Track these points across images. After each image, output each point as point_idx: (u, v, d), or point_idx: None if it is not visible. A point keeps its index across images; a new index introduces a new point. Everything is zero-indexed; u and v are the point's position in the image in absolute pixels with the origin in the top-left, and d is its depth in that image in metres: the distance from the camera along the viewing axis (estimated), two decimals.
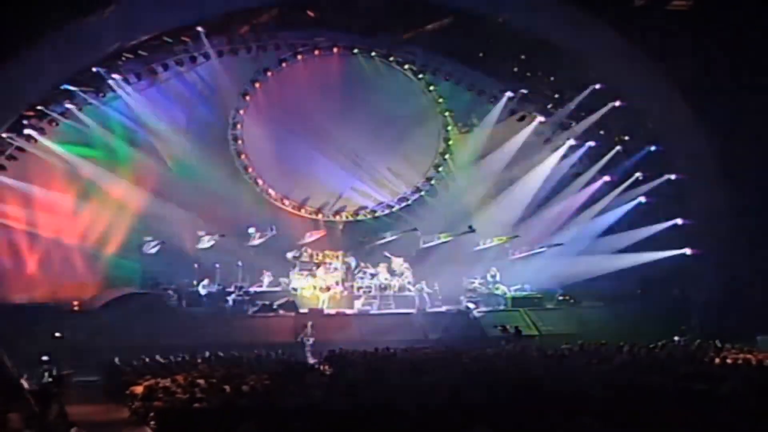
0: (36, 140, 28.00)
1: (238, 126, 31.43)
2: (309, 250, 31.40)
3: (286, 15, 29.62)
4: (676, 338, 25.41)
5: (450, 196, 33.09)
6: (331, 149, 31.74)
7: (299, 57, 31.44)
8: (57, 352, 20.99)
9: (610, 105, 31.33)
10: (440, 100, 32.86)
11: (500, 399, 13.56)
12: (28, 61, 26.09)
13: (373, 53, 32.10)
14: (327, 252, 31.60)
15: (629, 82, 30.79)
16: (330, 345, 23.95)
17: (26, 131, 27.74)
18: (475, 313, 29.39)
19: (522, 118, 33.35)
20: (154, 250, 29.24)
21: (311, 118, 31.36)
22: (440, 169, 33.21)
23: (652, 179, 31.71)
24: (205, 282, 29.14)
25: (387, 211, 33.01)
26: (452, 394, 14.20)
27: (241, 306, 28.51)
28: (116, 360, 20.86)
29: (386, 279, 30.89)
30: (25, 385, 14.57)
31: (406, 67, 32.49)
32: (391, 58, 32.29)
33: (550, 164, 32.86)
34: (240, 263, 30.23)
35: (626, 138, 32.53)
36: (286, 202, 31.99)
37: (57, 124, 28.38)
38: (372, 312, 29.43)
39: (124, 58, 28.64)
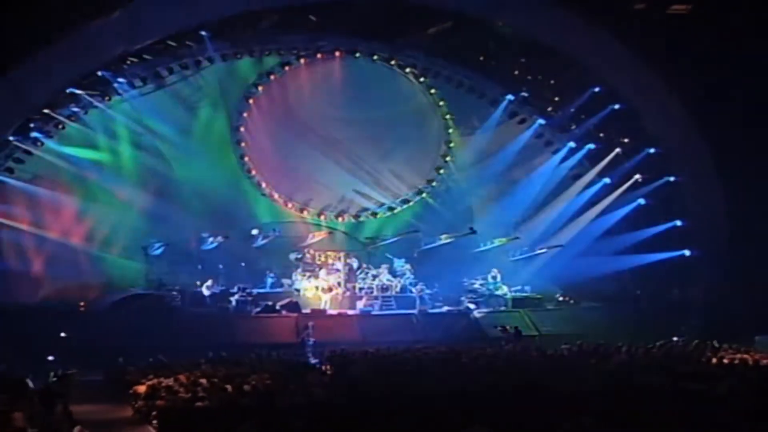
0: (42, 143, 28.18)
1: (242, 129, 31.56)
2: (311, 252, 31.70)
3: (289, 19, 29.75)
4: (675, 338, 25.58)
5: (451, 198, 33.23)
6: (333, 151, 31.93)
7: (302, 60, 31.55)
8: (62, 352, 21.44)
9: (609, 108, 31.47)
10: (441, 103, 32.94)
11: (500, 399, 13.71)
12: (34, 66, 26.46)
13: (374, 57, 32.15)
14: (329, 253, 31.90)
15: (628, 85, 30.94)
16: (332, 345, 24.06)
17: (33, 134, 27.94)
18: (476, 313, 29.62)
19: (522, 121, 33.43)
20: (158, 252, 29.47)
21: (314, 121, 31.64)
22: (441, 171, 33.30)
23: (651, 181, 31.85)
24: (209, 283, 29.33)
25: (389, 213, 33.16)
26: (452, 393, 14.37)
27: (244, 306, 28.67)
28: (120, 360, 21.07)
29: (388, 280, 31.10)
30: (30, 384, 14.76)
31: (408, 70, 32.58)
32: (393, 62, 32.36)
33: (550, 166, 33.04)
34: (243, 264, 30.66)
35: (625, 140, 32.67)
36: (290, 204, 32.11)
37: (63, 127, 28.53)
38: (373, 312, 29.59)
39: (129, 62, 28.87)
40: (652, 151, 31.60)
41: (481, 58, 32.75)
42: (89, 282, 28.40)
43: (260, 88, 31.61)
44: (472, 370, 19.11)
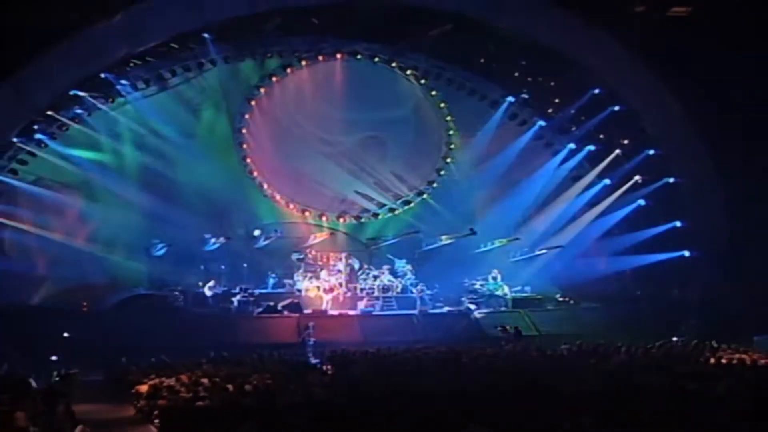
0: (46, 145, 28.31)
1: (244, 131, 31.70)
2: (313, 252, 31.80)
3: (291, 21, 29.83)
4: (674, 338, 25.72)
5: (452, 200, 33.20)
6: (335, 153, 32.13)
7: (303, 62, 31.70)
8: (66, 352, 21.55)
9: (609, 109, 31.62)
10: (442, 104, 33.06)
11: (499, 398, 13.81)
12: (38, 68, 26.63)
13: (376, 59, 32.31)
14: (331, 254, 31.99)
15: (628, 87, 31.06)
16: (333, 345, 24.19)
17: (36, 136, 28.09)
18: (476, 314, 29.73)
19: (523, 123, 33.56)
20: (161, 252, 29.61)
21: (315, 123, 31.79)
22: (442, 172, 33.38)
23: (651, 182, 31.96)
24: (211, 283, 29.50)
25: (390, 214, 33.24)
26: (452, 393, 14.48)
27: (246, 307, 28.78)
28: (123, 360, 21.23)
29: (389, 280, 31.23)
30: (33, 384, 14.88)
31: (409, 72, 32.72)
32: (394, 64, 32.48)
33: (550, 168, 33.15)
34: (245, 265, 30.79)
35: (625, 142, 32.77)
36: (291, 205, 32.19)
37: (67, 129, 28.68)
38: (374, 313, 29.70)
39: (132, 64, 29.02)
40: (651, 152, 31.71)
41: (482, 61, 32.87)
42: (92, 282, 28.43)
43: (262, 90, 31.76)
44: (472, 370, 19.21)
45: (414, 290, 30.91)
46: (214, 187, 30.54)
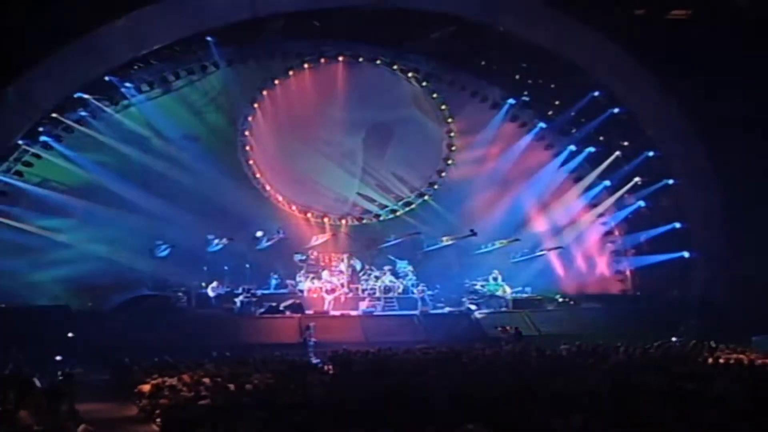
0: (51, 147, 28.58)
1: (247, 132, 31.84)
2: (315, 253, 31.91)
3: (293, 25, 29.90)
4: (673, 339, 25.87)
5: (453, 201, 33.27)
6: (337, 155, 32.27)
7: (306, 65, 31.84)
8: (70, 352, 21.70)
9: (609, 112, 31.74)
10: (443, 106, 33.18)
11: (498, 398, 13.78)
12: (43, 71, 26.95)
13: (377, 61, 32.44)
14: (333, 255, 32.09)
15: (628, 90, 31.18)
16: (335, 345, 24.21)
17: (42, 138, 28.34)
18: (477, 314, 29.79)
19: (523, 125, 33.71)
20: (164, 253, 29.76)
21: (318, 125, 31.93)
22: (443, 174, 33.48)
23: (650, 184, 32.10)
24: (214, 284, 29.61)
25: (391, 215, 33.34)
26: (451, 393, 14.49)
27: (248, 307, 28.87)
28: (126, 359, 21.21)
29: (390, 281, 31.34)
30: (38, 383, 15.00)
31: (410, 74, 32.86)
32: (396, 66, 32.62)
33: (551, 169, 33.31)
34: (248, 266, 30.82)
35: (625, 144, 32.86)
36: (294, 206, 32.33)
37: (72, 131, 28.93)
38: (376, 313, 29.78)
39: (136, 67, 29.25)
40: (651, 154, 31.79)
41: (483, 63, 33.00)
42: (97, 283, 28.56)
43: (265, 93, 31.85)
44: (472, 370, 19.21)
45: (415, 291, 31.00)
46: (217, 189, 30.52)
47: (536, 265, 32.61)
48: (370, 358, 21.80)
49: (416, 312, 29.84)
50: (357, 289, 31.12)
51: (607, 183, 32.99)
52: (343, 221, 33.00)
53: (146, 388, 16.89)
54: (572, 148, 33.24)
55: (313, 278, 31.03)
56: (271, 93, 31.96)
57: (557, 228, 33.09)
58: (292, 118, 31.97)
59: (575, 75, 31.40)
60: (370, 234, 33.26)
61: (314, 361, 23.19)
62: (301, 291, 30.53)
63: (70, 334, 23.83)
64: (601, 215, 33.03)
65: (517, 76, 33.26)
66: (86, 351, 22.41)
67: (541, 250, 32.49)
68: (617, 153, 32.72)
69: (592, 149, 33.17)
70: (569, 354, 22.40)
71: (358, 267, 31.92)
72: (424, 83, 33.06)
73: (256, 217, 31.55)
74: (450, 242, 32.36)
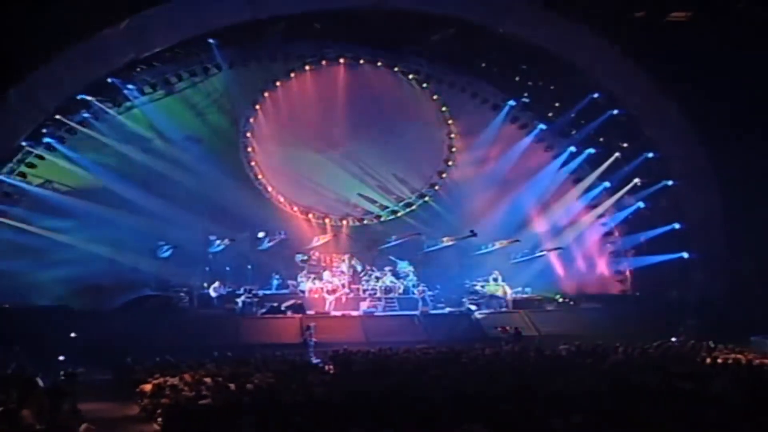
0: (55, 148, 28.75)
1: (249, 134, 31.99)
2: (317, 254, 32.02)
3: (295, 27, 30.07)
4: (673, 339, 25.99)
5: (453, 202, 33.48)
6: (338, 156, 32.35)
7: (307, 67, 32.03)
8: (73, 352, 21.78)
9: (608, 113, 31.87)
10: (444, 108, 33.34)
11: (496, 397, 13.91)
12: (46, 73, 27.11)
13: (378, 63, 32.61)
14: (334, 255, 32.19)
15: (627, 91, 31.30)
16: (336, 345, 24.33)
17: (45, 139, 28.52)
18: (477, 314, 29.88)
19: (524, 126, 33.87)
20: (167, 254, 29.91)
21: (319, 126, 32.00)
22: (444, 175, 33.63)
23: (650, 185, 32.23)
24: (216, 284, 29.73)
25: (392, 216, 33.47)
26: (450, 392, 14.70)
27: (250, 308, 28.97)
28: (128, 359, 21.40)
29: (391, 282, 31.47)
30: (40, 383, 15.09)
31: (411, 76, 33.05)
32: (396, 68, 32.80)
33: (551, 170, 33.44)
34: (250, 266, 31.00)
35: (625, 145, 32.94)
36: (295, 207, 32.47)
37: (75, 133, 29.09)
38: (377, 314, 29.87)
39: (139, 69, 29.43)
40: (650, 155, 31.88)
41: (484, 65, 33.18)
42: (100, 283, 28.68)
43: (267, 94, 32.04)
44: (471, 370, 19.34)
45: (416, 291, 31.14)
46: (219, 190, 30.72)
47: (536, 266, 32.72)
48: (370, 358, 21.90)
49: (417, 312, 29.92)
50: (358, 289, 31.23)
51: (607, 184, 33.11)
52: (344, 222, 33.13)
53: (148, 387, 17.02)
54: (572, 149, 33.36)
55: (314, 279, 31.17)
56: (272, 94, 32.14)
57: (557, 229, 33.19)
58: (294, 120, 32.11)
59: (575, 77, 31.52)
60: (371, 235, 33.38)
61: (315, 361, 23.31)
62: (303, 291, 30.64)
63: (72, 334, 23.90)
64: (600, 216, 33.14)
65: (517, 78, 33.41)
66: (89, 351, 22.40)
67: (541, 251, 32.57)
68: (617, 154, 32.83)
69: (591, 150, 33.29)
70: (568, 354, 22.51)
71: (359, 268, 31.98)
72: (424, 85, 33.22)
73: (257, 218, 31.68)
74: (450, 243, 32.48)
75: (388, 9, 29.07)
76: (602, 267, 32.49)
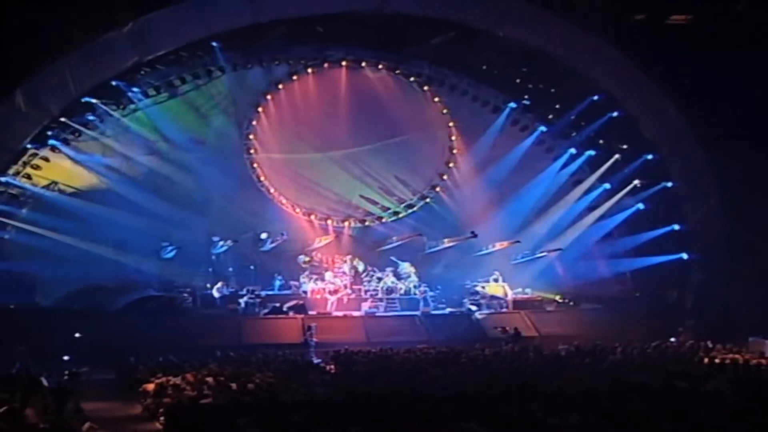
0: (59, 150, 28.90)
1: (252, 136, 32.10)
2: (319, 255, 32.26)
3: (297, 30, 30.15)
4: (672, 339, 26.18)
5: (454, 203, 33.60)
6: (340, 158, 32.43)
7: (309, 70, 32.07)
8: (77, 352, 21.89)
9: (608, 115, 31.89)
10: (445, 110, 33.37)
11: (495, 397, 14.15)
12: (51, 76, 27.23)
13: (380, 66, 32.68)
14: (336, 256, 32.39)
15: (627, 94, 31.30)
16: (338, 345, 24.55)
17: (50, 142, 28.66)
18: (477, 315, 30.06)
19: (524, 128, 33.91)
20: (170, 255, 30.09)
21: (321, 129, 32.08)
22: (445, 177, 33.71)
23: (649, 186, 32.23)
24: (219, 285, 29.89)
25: (394, 218, 33.60)
26: (449, 391, 14.98)
27: (252, 308, 29.13)
28: (131, 359, 21.62)
29: (392, 282, 31.62)
30: (45, 382, 15.19)
31: (413, 79, 33.07)
32: (398, 71, 32.84)
33: (551, 172, 33.46)
34: (252, 267, 31.24)
35: (624, 147, 32.95)
36: (298, 208, 32.60)
37: (79, 135, 29.27)
38: (378, 314, 30.06)
39: (142, 72, 29.54)
40: (650, 157, 31.86)
41: (484, 68, 33.19)
42: (104, 284, 28.89)
43: (269, 97, 32.10)
44: (471, 370, 19.52)
45: (417, 292, 31.30)
46: (222, 192, 31.05)
47: (537, 267, 32.78)
48: (371, 358, 22.11)
49: (418, 313, 30.09)
50: (360, 290, 31.37)
51: (607, 186, 33.13)
52: (346, 223, 33.22)
53: (150, 387, 17.24)
54: (572, 151, 33.41)
55: (316, 279, 31.32)
56: (275, 97, 32.20)
57: (558, 230, 33.20)
58: (296, 122, 32.18)
59: (575, 79, 31.52)
60: (373, 236, 33.57)
61: (315, 360, 23.51)
62: (305, 292, 30.76)
63: (77, 335, 24.02)
64: (600, 217, 33.12)
65: (518, 81, 33.45)
66: (92, 351, 22.50)
67: (542, 252, 32.61)
68: (616, 156, 32.82)
69: (591, 152, 33.32)
70: (568, 354, 22.66)
71: (361, 268, 32.11)
72: (425, 87, 33.24)
73: (260, 219, 31.95)
74: (451, 244, 32.67)
75: (390, 12, 29.09)
76: (602, 268, 32.52)
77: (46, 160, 29.02)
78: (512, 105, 33.33)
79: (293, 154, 32.34)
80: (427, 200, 33.79)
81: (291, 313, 28.89)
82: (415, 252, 32.98)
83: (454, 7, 29.43)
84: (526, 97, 33.60)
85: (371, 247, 33.30)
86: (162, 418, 15.23)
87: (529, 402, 13.22)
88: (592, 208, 33.40)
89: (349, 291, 31.19)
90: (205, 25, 28.28)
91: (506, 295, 31.40)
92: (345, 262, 32.13)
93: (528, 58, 31.64)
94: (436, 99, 33.39)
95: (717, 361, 20.37)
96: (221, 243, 30.85)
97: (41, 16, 25.38)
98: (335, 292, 30.90)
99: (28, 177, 28.94)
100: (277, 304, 29.25)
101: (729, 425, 11.76)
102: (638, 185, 32.60)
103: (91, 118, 29.36)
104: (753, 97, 28.44)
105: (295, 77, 32.20)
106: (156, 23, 27.65)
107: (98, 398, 17.73)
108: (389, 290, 31.42)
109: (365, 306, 30.47)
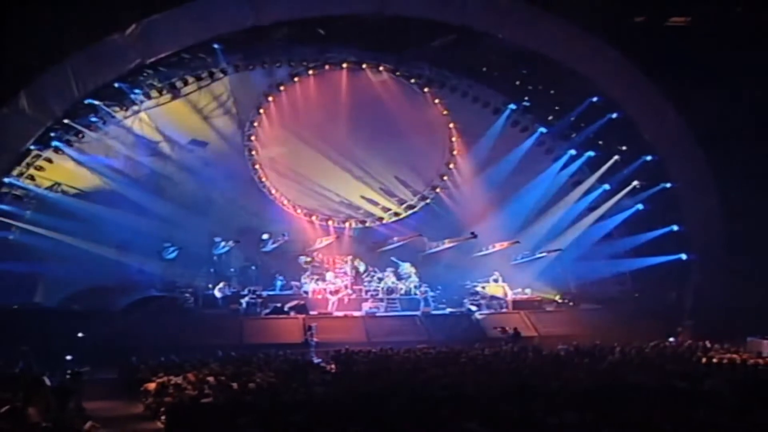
0: (62, 151, 29.03)
1: (253, 137, 32.20)
2: (320, 255, 32.39)
3: (298, 32, 30.23)
4: (671, 339, 26.30)
5: (454, 204, 33.70)
6: (341, 159, 32.45)
7: (310, 72, 32.12)
8: (80, 351, 21.95)
9: (607, 117, 31.92)
10: (445, 112, 33.44)
11: (494, 397, 14.21)
12: (54, 77, 27.37)
13: (381, 68, 32.74)
14: (337, 257, 32.54)
15: (626, 95, 31.34)
16: (338, 345, 24.66)
17: (53, 143, 28.75)
18: (477, 315, 30.17)
19: (524, 129, 33.98)
20: (172, 255, 30.29)
21: (322, 130, 32.14)
22: (445, 178, 33.78)
23: (648, 187, 32.30)
24: (221, 285, 30.09)
25: (394, 218, 33.67)
26: (449, 391, 15.07)
27: (254, 308, 29.23)
28: (133, 359, 21.79)
29: (393, 282, 31.77)
30: (47, 382, 15.25)
31: (413, 80, 33.15)
32: (399, 72, 32.90)
33: (551, 173, 33.56)
34: (254, 268, 31.44)
35: (624, 148, 33.00)
36: (299, 209, 32.71)
37: (82, 137, 29.38)
38: (379, 314, 30.16)
39: (145, 74, 29.60)
40: (649, 158, 31.91)
41: (485, 69, 33.22)
42: (106, 284, 29.00)
43: (271, 98, 32.14)
44: (471, 370, 19.60)
45: (418, 292, 31.43)
46: (224, 192, 31.22)
47: (536, 267, 32.92)
48: (371, 357, 22.22)
49: (418, 313, 30.19)
50: (360, 290, 31.54)
51: (606, 186, 33.20)
52: (347, 224, 33.29)
53: (152, 386, 17.41)
54: (572, 152, 33.49)
55: (317, 280, 31.49)
56: (276, 98, 32.24)
57: (557, 230, 33.29)
58: (297, 123, 32.24)
59: (575, 81, 31.45)
60: (374, 236, 33.67)
61: (316, 360, 23.62)
62: (306, 292, 30.91)
63: (79, 334, 24.15)
64: (600, 218, 33.20)
65: (518, 82, 33.49)
66: (95, 350, 22.64)
67: (541, 253, 32.71)
68: (616, 157, 32.87)
69: (591, 153, 33.40)
70: (567, 354, 22.76)
71: (362, 269, 32.28)
72: (426, 89, 33.30)
73: (262, 220, 32.08)
74: (452, 244, 32.78)
75: (390, 14, 29.17)
76: (602, 268, 32.59)
77: (50, 161, 29.12)
78: (512, 106, 33.39)
79: (295, 156, 32.43)
80: (428, 201, 33.87)
81: (292, 313, 28.98)
82: (415, 252, 33.11)
83: (454, 9, 29.45)
84: (526, 98, 33.65)
85: (372, 247, 33.41)
86: (163, 418, 15.35)
87: (528, 402, 13.35)
88: (591, 208, 33.47)
89: (349, 291, 31.34)
90: (206, 27, 28.37)
91: (506, 295, 31.52)
92: (346, 262, 32.31)
93: (528, 60, 31.63)
94: (437, 100, 33.43)
95: (715, 360, 20.52)
96: (223, 243, 31.04)
97: (44, 19, 25.60)
98: (336, 292, 31.06)
99: (32, 178, 29.03)
100: (279, 305, 29.35)
101: (727, 424, 11.90)
102: (638, 186, 32.67)
103: (93, 119, 29.44)
104: (752, 97, 28.60)
105: (296, 79, 32.23)
106: (158, 25, 27.73)
107: (100, 397, 17.85)
108: (390, 290, 31.54)
109: (366, 306, 30.59)
